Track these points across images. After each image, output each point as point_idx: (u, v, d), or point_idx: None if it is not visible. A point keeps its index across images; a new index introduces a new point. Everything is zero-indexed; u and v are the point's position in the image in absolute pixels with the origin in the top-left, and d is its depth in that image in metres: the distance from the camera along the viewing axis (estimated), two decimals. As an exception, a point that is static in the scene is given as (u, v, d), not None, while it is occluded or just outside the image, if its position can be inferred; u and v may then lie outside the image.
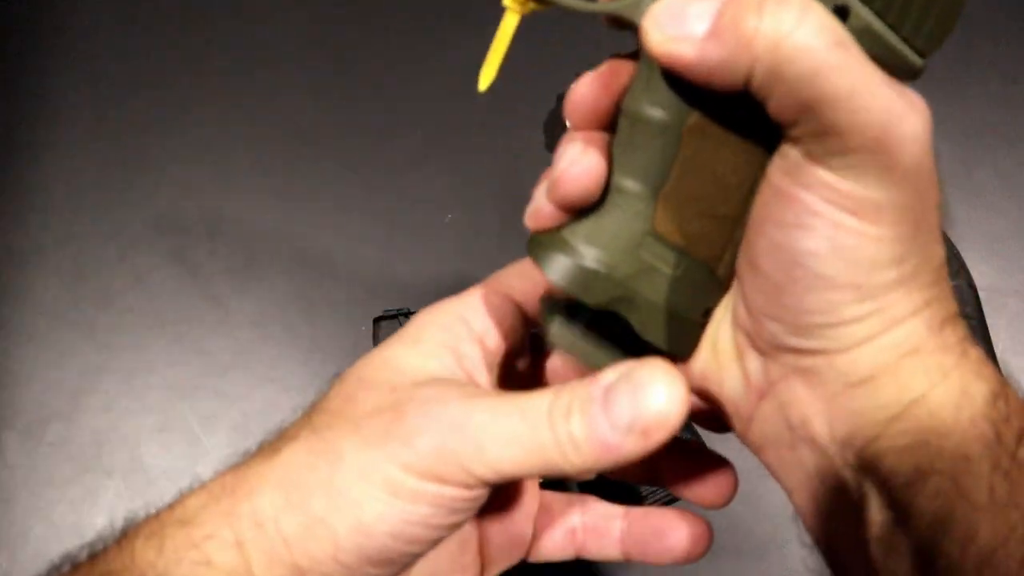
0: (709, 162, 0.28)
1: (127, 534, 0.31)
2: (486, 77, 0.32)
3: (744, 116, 0.27)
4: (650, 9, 0.27)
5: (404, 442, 0.28)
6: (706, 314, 0.31)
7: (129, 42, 0.76)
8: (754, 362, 0.30)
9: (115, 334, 0.67)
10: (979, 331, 0.61)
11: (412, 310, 0.62)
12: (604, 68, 0.30)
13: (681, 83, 0.27)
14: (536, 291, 0.34)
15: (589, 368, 0.31)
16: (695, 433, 0.60)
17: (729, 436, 0.35)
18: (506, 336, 0.34)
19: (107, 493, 0.62)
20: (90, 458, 0.63)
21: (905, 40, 0.27)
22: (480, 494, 0.29)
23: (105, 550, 0.32)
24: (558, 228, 0.30)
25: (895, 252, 0.26)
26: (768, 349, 0.29)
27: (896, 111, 0.25)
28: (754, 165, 0.28)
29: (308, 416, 0.31)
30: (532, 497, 0.38)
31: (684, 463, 0.38)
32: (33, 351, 0.66)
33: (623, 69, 0.29)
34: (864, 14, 0.26)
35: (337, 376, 0.32)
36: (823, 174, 0.26)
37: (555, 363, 0.35)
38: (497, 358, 0.34)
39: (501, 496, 0.36)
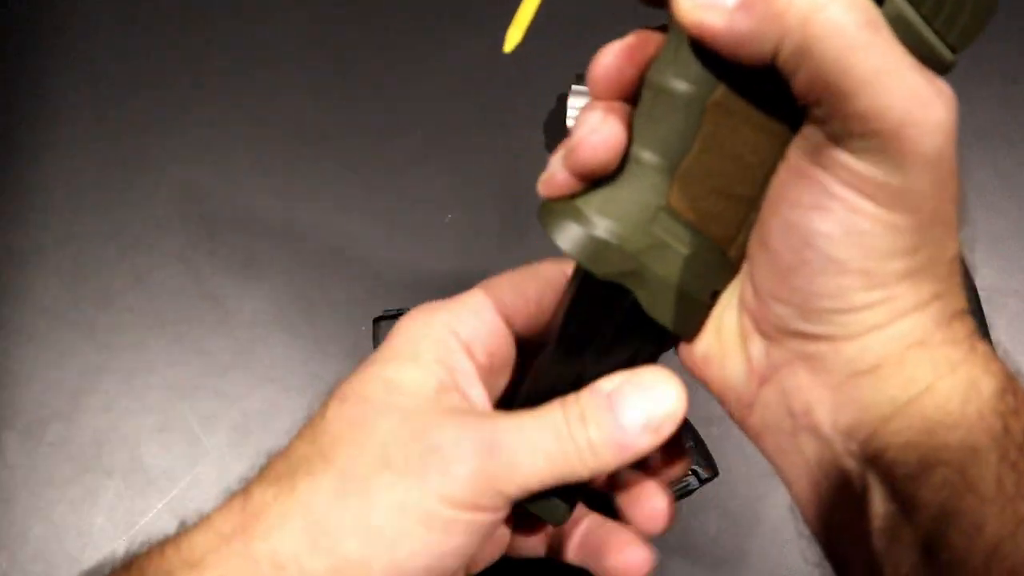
0: (730, 140, 0.28)
1: (131, 570, 0.30)
2: (512, 38, 0.32)
3: (769, 95, 0.27)
4: None
5: (441, 472, 0.28)
6: (714, 296, 0.30)
7: (129, 42, 0.76)
8: (758, 346, 0.29)
9: (115, 334, 0.67)
10: (979, 331, 0.61)
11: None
12: (631, 38, 0.29)
13: (708, 56, 0.27)
14: (527, 306, 0.34)
15: None
16: (696, 436, 0.60)
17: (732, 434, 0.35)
18: (493, 351, 0.34)
19: (107, 493, 0.62)
20: (90, 458, 0.63)
21: (937, 33, 0.27)
22: (505, 513, 0.30)
23: None
24: (571, 196, 0.29)
25: (909, 241, 0.26)
26: (774, 333, 0.29)
27: (922, 98, 0.25)
28: (775, 146, 0.28)
29: (313, 440, 0.30)
30: None
31: (596, 536, 0.38)
32: (33, 351, 0.66)
33: (650, 40, 0.29)
34: (899, 2, 0.26)
35: (334, 392, 0.32)
36: (843, 156, 0.25)
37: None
38: (486, 372, 0.34)
39: None
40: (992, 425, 0.26)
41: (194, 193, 0.71)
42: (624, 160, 0.29)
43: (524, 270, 0.35)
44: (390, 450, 0.29)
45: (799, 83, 0.25)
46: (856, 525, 0.28)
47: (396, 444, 0.29)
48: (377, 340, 0.61)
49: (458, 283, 0.70)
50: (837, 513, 0.29)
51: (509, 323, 0.34)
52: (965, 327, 0.28)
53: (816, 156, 0.26)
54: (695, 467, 0.59)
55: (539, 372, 0.34)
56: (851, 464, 0.28)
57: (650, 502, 0.36)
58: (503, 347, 0.34)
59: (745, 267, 0.30)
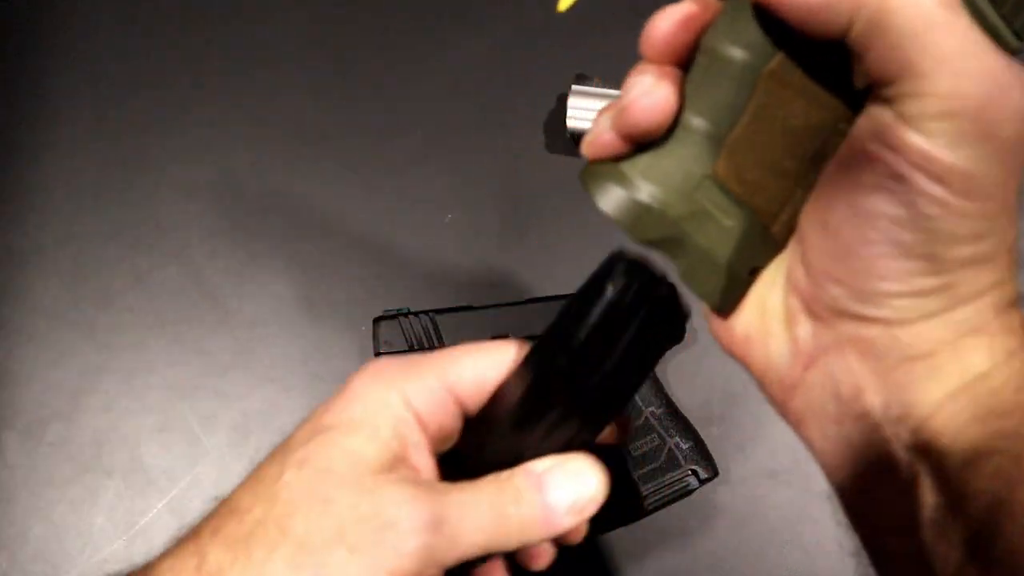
0: (782, 112, 0.27)
1: None
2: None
3: (827, 68, 0.26)
4: None
5: (392, 549, 0.29)
6: (753, 272, 0.30)
7: (129, 42, 0.76)
8: (806, 328, 0.29)
9: (115, 334, 0.67)
10: None
11: (412, 310, 0.62)
12: (689, 4, 0.28)
13: (769, 24, 0.26)
14: (477, 386, 0.34)
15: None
16: (696, 436, 0.60)
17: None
18: (443, 424, 0.34)
19: (107, 493, 0.63)
20: (90, 458, 0.63)
21: (1004, 19, 0.26)
22: None
23: None
24: (615, 159, 0.29)
25: (977, 228, 0.25)
26: (825, 314, 0.28)
27: (1003, 81, 0.24)
28: (829, 123, 0.27)
29: (270, 501, 0.30)
30: None
31: None
32: (33, 351, 0.66)
33: (708, 7, 0.28)
34: None
35: (288, 450, 0.32)
36: (915, 138, 0.24)
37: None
38: (435, 442, 0.34)
39: None
40: None
41: (194, 193, 0.71)
42: (673, 125, 0.28)
43: (487, 351, 0.35)
44: (347, 526, 0.29)
45: (872, 60, 0.24)
46: (902, 516, 0.27)
47: (352, 520, 0.30)
48: (377, 340, 0.61)
49: (458, 283, 0.70)
50: (882, 503, 0.28)
51: (458, 399, 0.35)
52: (1021, 315, 0.27)
53: (884, 136, 0.25)
54: (695, 467, 0.59)
55: (483, 446, 0.35)
56: (900, 452, 0.27)
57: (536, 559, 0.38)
58: (450, 420, 0.35)
59: (794, 246, 0.29)
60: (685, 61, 0.29)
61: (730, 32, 0.27)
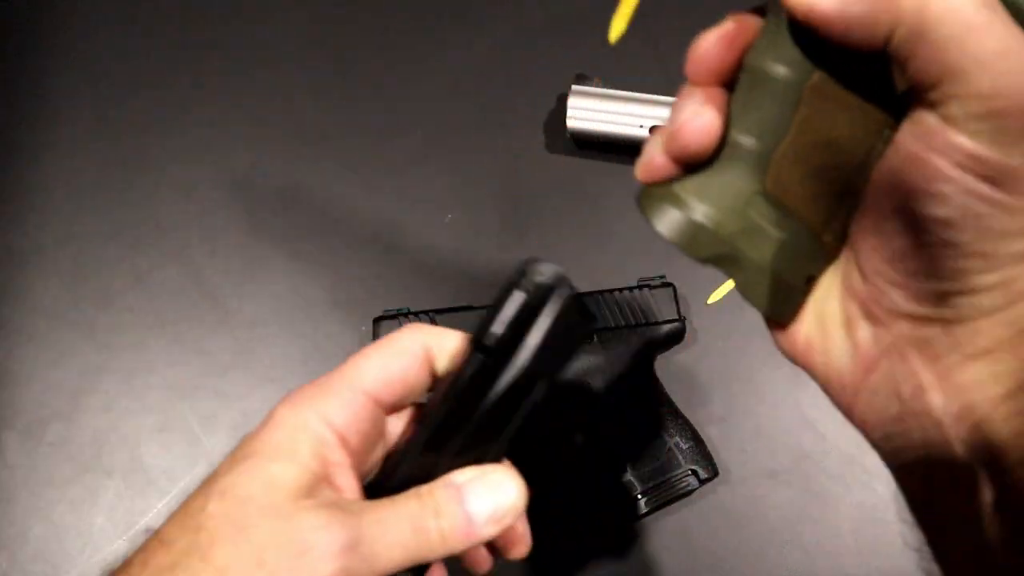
0: (827, 124, 0.28)
1: None
2: (617, 28, 0.31)
3: (868, 79, 0.27)
4: None
5: (310, 572, 0.30)
6: (809, 281, 0.31)
7: (129, 42, 0.76)
8: (865, 332, 0.29)
9: (115, 334, 0.67)
10: None
11: (412, 310, 0.62)
12: (729, 24, 0.29)
13: (809, 39, 0.27)
14: (391, 384, 0.35)
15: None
16: (696, 436, 0.60)
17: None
18: (365, 432, 0.35)
19: (107, 493, 0.63)
20: (90, 458, 0.63)
21: None
22: None
23: None
24: (669, 182, 0.30)
25: None
26: (884, 317, 0.29)
27: None
28: (872, 132, 0.28)
29: (196, 531, 0.31)
30: None
31: None
32: (33, 351, 0.66)
33: (748, 26, 0.29)
34: None
35: (213, 481, 0.33)
36: (961, 139, 0.25)
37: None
38: (358, 458, 0.35)
39: None
40: None
41: (194, 193, 0.71)
42: (721, 144, 0.29)
43: (386, 346, 0.36)
44: (265, 554, 0.30)
45: (914, 67, 0.25)
46: (964, 512, 0.27)
47: (271, 547, 0.30)
48: (377, 340, 0.61)
49: (458, 283, 0.70)
50: (944, 501, 0.28)
51: (377, 402, 0.35)
52: None
53: (930, 139, 0.25)
54: (695, 467, 0.59)
55: (403, 461, 0.36)
56: (960, 450, 0.27)
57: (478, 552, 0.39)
58: (375, 427, 0.36)
59: (848, 252, 0.30)
60: (729, 80, 0.30)
61: (771, 50, 0.28)
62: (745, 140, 0.29)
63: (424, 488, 0.34)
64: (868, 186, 0.28)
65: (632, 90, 0.67)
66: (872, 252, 0.28)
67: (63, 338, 0.66)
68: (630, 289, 0.62)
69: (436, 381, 0.37)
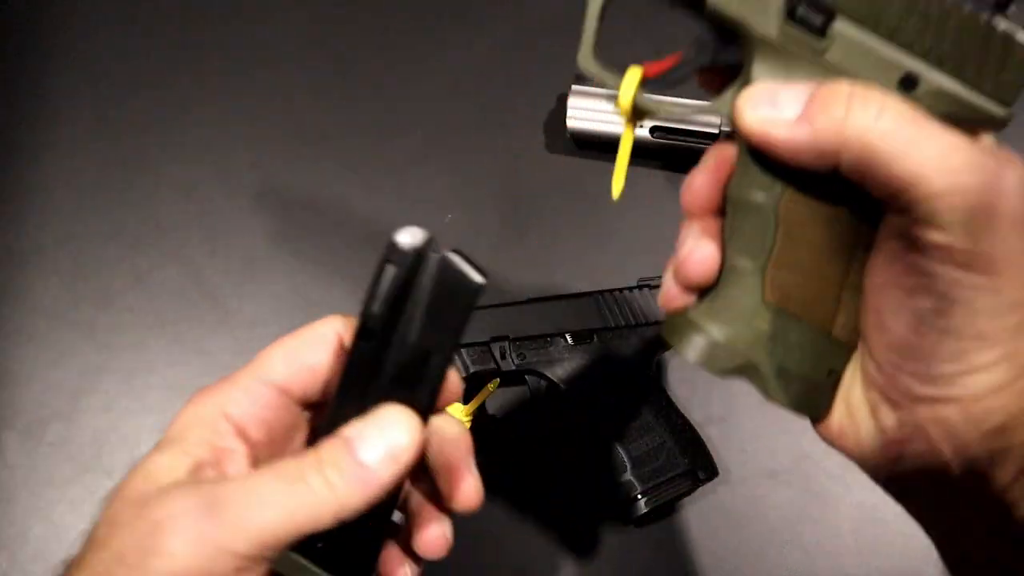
0: (806, 233, 0.31)
1: None
2: (617, 186, 0.36)
3: (834, 188, 0.29)
4: (745, 90, 0.30)
5: (158, 554, 0.29)
6: (831, 374, 0.33)
7: (129, 42, 0.76)
8: (889, 417, 0.31)
9: (115, 334, 0.67)
10: None
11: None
12: (710, 160, 0.33)
13: (774, 164, 0.30)
14: (301, 373, 0.34)
15: None
16: (696, 437, 0.59)
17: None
18: (272, 424, 0.34)
19: (107, 493, 0.62)
20: (90, 458, 0.63)
21: (983, 93, 0.29)
22: (265, 570, 0.30)
23: None
24: (686, 310, 0.33)
25: (1013, 297, 0.28)
26: (903, 401, 0.30)
27: (989, 168, 0.27)
28: (849, 230, 0.31)
29: (86, 543, 0.31)
30: None
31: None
32: (33, 351, 0.66)
33: (726, 156, 0.33)
34: (935, 78, 0.29)
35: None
36: (933, 234, 0.27)
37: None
38: (264, 449, 0.34)
39: None
40: None
41: (194, 193, 0.71)
42: (722, 268, 0.33)
43: (296, 336, 0.35)
44: (125, 547, 0.30)
45: (870, 184, 0.28)
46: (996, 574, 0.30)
47: (129, 539, 0.30)
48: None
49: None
50: (976, 563, 0.31)
51: (287, 392, 0.35)
52: None
53: (907, 241, 0.28)
54: (695, 467, 0.59)
55: (315, 437, 0.35)
56: (989, 517, 0.30)
57: (429, 530, 0.37)
58: (282, 417, 0.35)
59: (862, 345, 0.32)
60: (720, 208, 0.33)
61: (744, 178, 0.31)
62: (740, 261, 0.32)
63: (311, 448, 0.32)
64: (866, 283, 0.31)
65: (632, 90, 0.66)
66: (880, 344, 0.31)
67: (63, 338, 0.66)
68: (630, 289, 0.62)
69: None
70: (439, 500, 0.37)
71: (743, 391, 0.63)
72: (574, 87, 0.67)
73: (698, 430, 0.60)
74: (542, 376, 0.60)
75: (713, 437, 0.61)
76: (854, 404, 0.32)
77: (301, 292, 0.67)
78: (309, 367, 0.35)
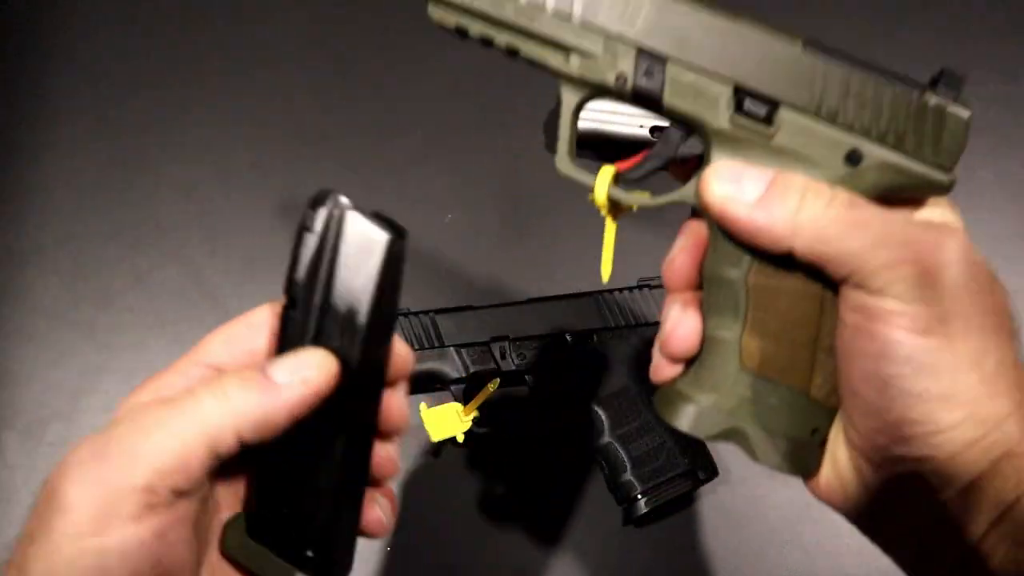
0: (774, 303, 0.33)
1: None
2: (605, 271, 0.38)
3: (791, 261, 0.32)
4: (714, 164, 0.33)
5: (59, 512, 0.29)
6: (815, 433, 0.34)
7: (129, 42, 0.76)
8: (872, 476, 0.32)
9: (115, 334, 0.66)
10: None
11: (412, 310, 0.61)
12: (688, 241, 0.35)
13: (740, 242, 0.32)
14: (240, 358, 0.34)
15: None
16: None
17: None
18: None
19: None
20: (90, 458, 0.63)
21: (925, 163, 0.32)
22: (182, 507, 0.30)
23: None
24: (674, 381, 0.35)
25: (971, 356, 0.30)
26: (884, 462, 0.32)
27: (931, 238, 0.30)
28: (814, 299, 0.33)
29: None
30: None
31: None
32: (33, 351, 0.66)
33: (700, 232, 0.35)
34: (878, 152, 0.32)
35: None
36: (888, 304, 0.30)
37: None
38: None
39: None
40: None
41: (194, 193, 0.71)
42: (704, 338, 0.35)
43: (235, 321, 0.35)
44: (31, 525, 0.30)
45: (822, 265, 0.31)
46: None
47: (35, 516, 0.30)
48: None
49: (458, 283, 0.70)
50: None
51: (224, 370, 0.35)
52: None
53: (865, 312, 0.30)
54: (695, 467, 0.59)
55: None
56: (970, 566, 0.31)
57: (372, 511, 0.36)
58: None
59: (843, 409, 0.34)
60: (699, 283, 0.35)
61: (715, 254, 0.34)
62: (718, 332, 0.34)
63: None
64: (836, 354, 0.33)
65: (632, 90, 0.67)
66: (856, 409, 0.32)
67: (63, 338, 0.66)
68: (630, 289, 0.62)
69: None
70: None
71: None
72: (574, 87, 0.67)
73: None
74: (542, 376, 0.60)
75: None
76: (840, 463, 0.34)
77: (301, 292, 0.67)
78: (248, 351, 0.35)
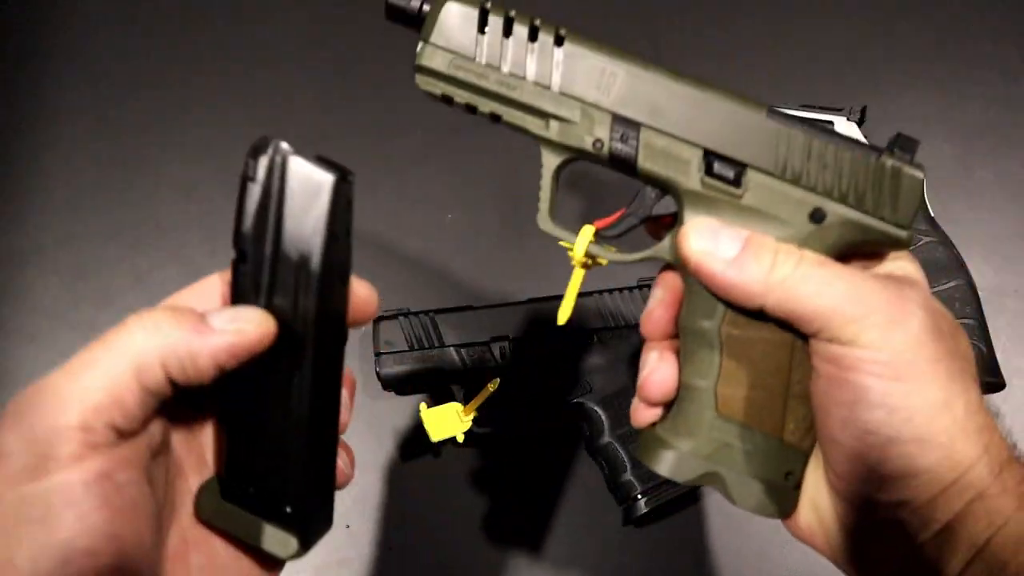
0: (746, 352, 0.34)
1: None
2: (563, 314, 0.39)
3: (761, 314, 0.33)
4: (692, 221, 0.35)
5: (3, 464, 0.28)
6: (788, 476, 0.35)
7: (129, 42, 0.76)
8: (853, 519, 0.33)
9: (115, 334, 0.66)
10: (979, 331, 0.61)
11: (412, 310, 0.62)
12: (666, 296, 0.37)
13: (714, 295, 0.34)
14: (211, 304, 0.34)
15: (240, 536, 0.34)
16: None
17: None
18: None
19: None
20: (90, 458, 0.63)
21: (883, 219, 0.34)
22: (126, 449, 0.29)
23: None
24: (653, 426, 0.37)
25: (942, 399, 0.31)
26: (862, 505, 0.33)
27: (893, 289, 0.32)
28: (783, 348, 0.34)
29: None
30: None
31: None
32: (33, 351, 0.66)
33: (676, 285, 0.37)
34: (841, 210, 0.34)
35: None
36: (859, 352, 0.31)
37: None
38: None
39: None
40: None
41: (194, 193, 0.71)
42: (680, 386, 0.36)
43: (189, 288, 0.36)
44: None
45: (793, 321, 0.32)
46: None
47: None
48: (377, 340, 0.61)
49: (458, 283, 0.70)
50: None
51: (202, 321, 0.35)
52: (1014, 475, 0.32)
53: (838, 362, 0.32)
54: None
55: None
56: None
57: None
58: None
59: (823, 455, 0.35)
60: (675, 333, 0.37)
61: (690, 306, 0.36)
62: (694, 380, 0.36)
63: None
64: (813, 403, 0.34)
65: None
66: (835, 455, 0.33)
67: (63, 338, 0.66)
68: (630, 289, 0.62)
69: None
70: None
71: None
72: (574, 87, 0.67)
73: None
74: (542, 376, 0.60)
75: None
76: (821, 507, 0.35)
77: (301, 292, 0.67)
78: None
